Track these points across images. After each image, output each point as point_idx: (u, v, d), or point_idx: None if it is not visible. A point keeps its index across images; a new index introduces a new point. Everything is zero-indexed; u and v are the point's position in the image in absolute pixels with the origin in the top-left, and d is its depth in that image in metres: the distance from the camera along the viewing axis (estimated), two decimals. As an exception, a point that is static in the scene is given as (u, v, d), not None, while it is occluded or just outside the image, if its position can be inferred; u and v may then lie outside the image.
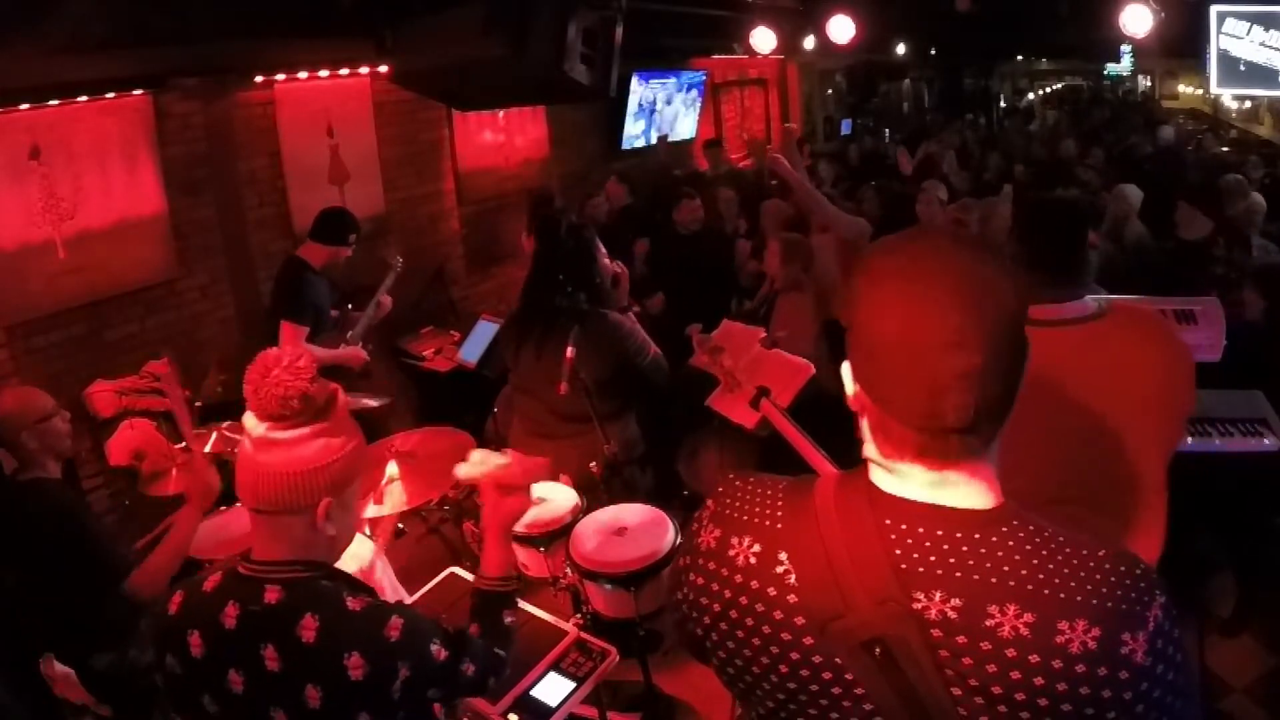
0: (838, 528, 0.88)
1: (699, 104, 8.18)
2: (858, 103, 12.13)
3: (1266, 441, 2.62)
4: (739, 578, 0.94)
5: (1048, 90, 18.76)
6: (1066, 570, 0.81)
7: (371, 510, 2.10)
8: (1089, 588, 0.80)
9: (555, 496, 2.49)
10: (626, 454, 2.78)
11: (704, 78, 8.19)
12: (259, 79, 4.39)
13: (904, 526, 0.86)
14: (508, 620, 1.52)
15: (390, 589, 2.30)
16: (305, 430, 1.24)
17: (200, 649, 1.25)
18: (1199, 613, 2.82)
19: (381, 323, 4.18)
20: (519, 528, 1.91)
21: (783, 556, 0.91)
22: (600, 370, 2.65)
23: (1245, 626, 2.97)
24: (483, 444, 3.56)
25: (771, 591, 0.91)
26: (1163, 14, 5.19)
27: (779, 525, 0.93)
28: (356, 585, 1.35)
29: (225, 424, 3.17)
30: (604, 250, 2.86)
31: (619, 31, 3.15)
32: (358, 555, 2.15)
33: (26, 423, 2.37)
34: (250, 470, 1.25)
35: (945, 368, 0.80)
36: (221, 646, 1.25)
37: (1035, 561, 0.82)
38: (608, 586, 2.23)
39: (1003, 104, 16.68)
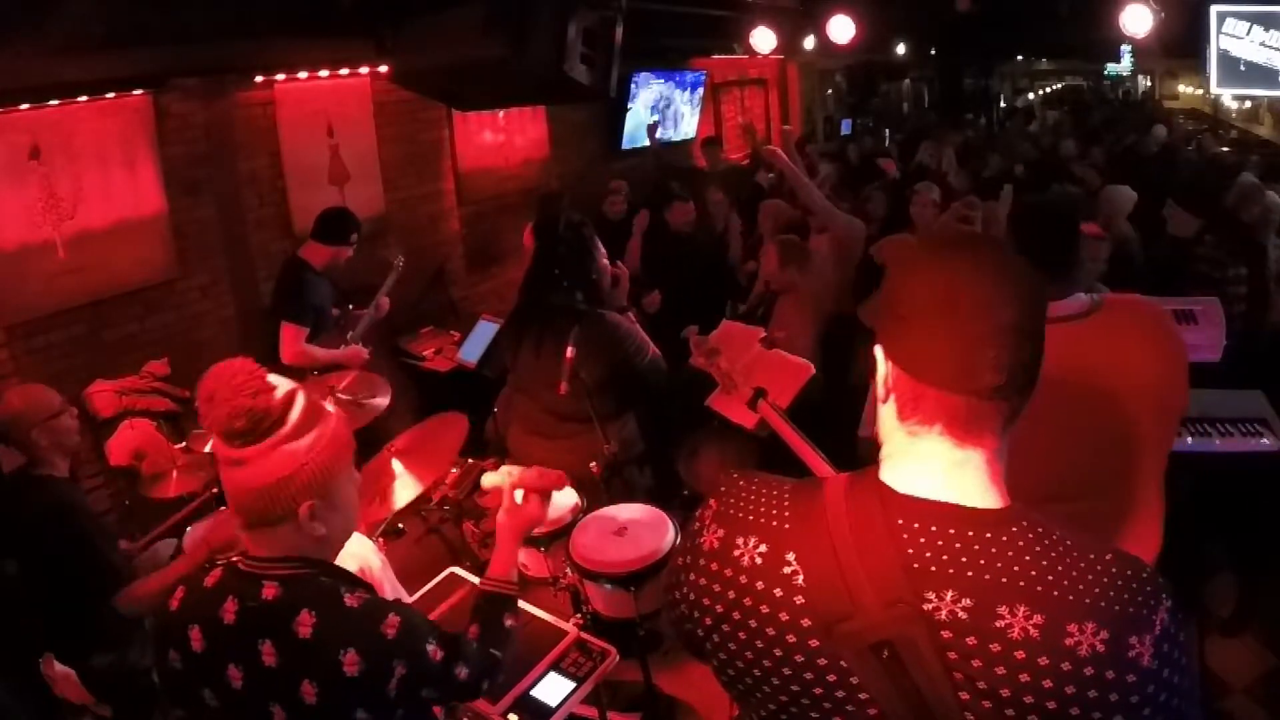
0: (848, 528, 0.88)
1: (699, 104, 8.19)
2: (858, 103, 12.13)
3: (1266, 441, 2.63)
4: (744, 578, 0.93)
5: (1048, 90, 18.76)
6: (1075, 573, 0.82)
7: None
8: (1097, 591, 0.81)
9: (555, 496, 2.48)
10: (625, 453, 2.78)
11: (704, 77, 8.20)
12: (259, 79, 4.39)
13: (916, 525, 0.86)
14: (508, 623, 1.53)
15: (390, 589, 2.29)
16: (262, 445, 1.22)
17: (201, 643, 1.26)
18: (1199, 613, 2.81)
19: (381, 323, 4.19)
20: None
21: (790, 557, 0.91)
22: (600, 370, 2.65)
23: (1245, 626, 2.96)
24: (483, 444, 3.57)
25: (777, 592, 0.90)
26: (1163, 14, 5.17)
27: (786, 525, 0.93)
28: (355, 582, 1.35)
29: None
30: (603, 250, 2.86)
31: (619, 31, 3.15)
32: (358, 555, 2.15)
33: (36, 420, 2.37)
34: (226, 485, 1.27)
35: (983, 323, 0.84)
36: (221, 641, 1.25)
37: (1044, 563, 0.82)
38: (608, 586, 2.23)
39: (1003, 104, 16.68)
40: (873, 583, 0.85)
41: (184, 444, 3.42)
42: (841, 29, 6.32)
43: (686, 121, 8.05)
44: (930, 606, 0.83)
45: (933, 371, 0.87)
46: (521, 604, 1.80)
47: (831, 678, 0.89)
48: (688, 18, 5.99)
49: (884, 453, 0.93)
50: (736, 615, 0.94)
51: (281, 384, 1.27)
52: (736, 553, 0.95)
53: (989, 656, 0.80)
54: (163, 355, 4.03)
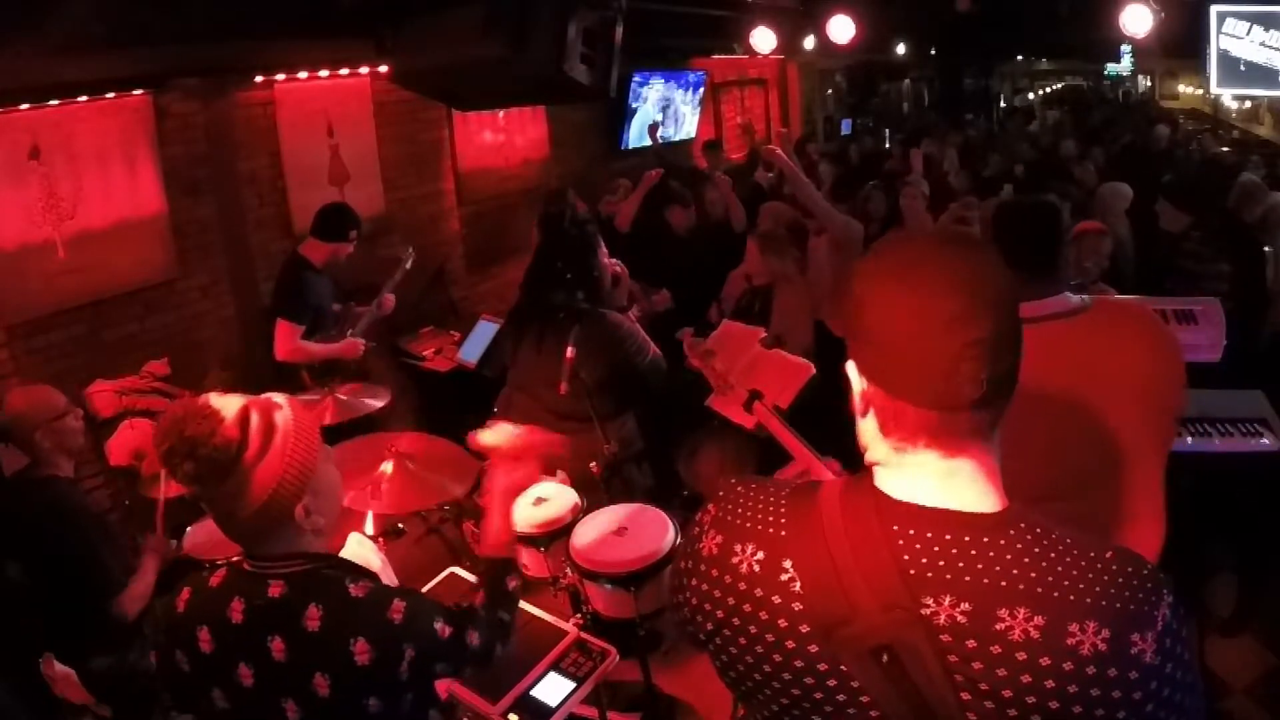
0: (843, 534, 0.88)
1: (700, 104, 8.19)
2: (858, 103, 12.13)
3: (1266, 441, 2.63)
4: (742, 585, 0.94)
5: (1048, 90, 18.75)
6: (1075, 572, 0.82)
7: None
8: (1098, 589, 0.81)
9: (555, 496, 2.49)
10: (624, 452, 2.78)
11: (705, 77, 8.20)
12: (259, 79, 4.39)
13: (912, 531, 0.86)
14: (511, 585, 1.57)
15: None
16: (233, 479, 1.21)
17: (210, 644, 1.27)
18: (1199, 613, 2.81)
19: (382, 322, 4.18)
20: (519, 528, 1.91)
21: (787, 564, 0.91)
22: (600, 370, 2.65)
23: (1245, 626, 2.96)
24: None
25: (776, 599, 0.91)
26: (1163, 14, 5.17)
27: (783, 532, 0.93)
28: (359, 572, 1.37)
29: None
30: (605, 249, 2.86)
31: (619, 31, 3.15)
32: (358, 555, 2.14)
33: (40, 421, 2.37)
34: (218, 523, 1.27)
35: (956, 339, 0.82)
36: (230, 641, 1.26)
37: (1044, 564, 0.82)
38: (608, 586, 2.23)
39: (1003, 104, 16.67)
40: (869, 587, 0.85)
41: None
42: (841, 29, 6.33)
43: (688, 121, 8.06)
44: (928, 611, 0.83)
45: (910, 392, 0.86)
46: (521, 604, 1.81)
47: (832, 682, 0.89)
48: (688, 18, 5.99)
49: (871, 459, 0.93)
50: (737, 621, 0.94)
51: (227, 405, 1.24)
52: (735, 559, 0.95)
53: (990, 659, 0.80)
54: (163, 355, 4.02)
